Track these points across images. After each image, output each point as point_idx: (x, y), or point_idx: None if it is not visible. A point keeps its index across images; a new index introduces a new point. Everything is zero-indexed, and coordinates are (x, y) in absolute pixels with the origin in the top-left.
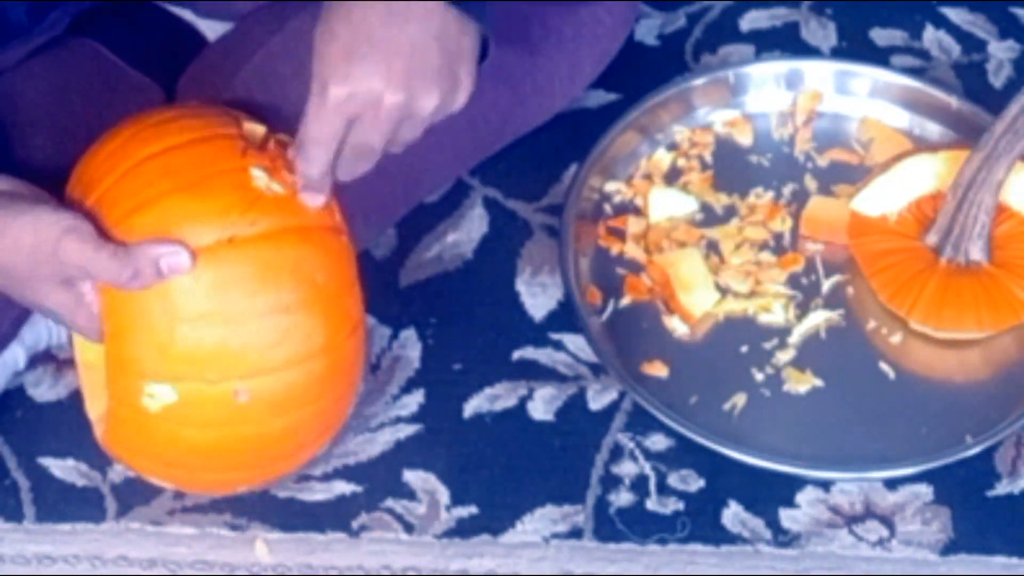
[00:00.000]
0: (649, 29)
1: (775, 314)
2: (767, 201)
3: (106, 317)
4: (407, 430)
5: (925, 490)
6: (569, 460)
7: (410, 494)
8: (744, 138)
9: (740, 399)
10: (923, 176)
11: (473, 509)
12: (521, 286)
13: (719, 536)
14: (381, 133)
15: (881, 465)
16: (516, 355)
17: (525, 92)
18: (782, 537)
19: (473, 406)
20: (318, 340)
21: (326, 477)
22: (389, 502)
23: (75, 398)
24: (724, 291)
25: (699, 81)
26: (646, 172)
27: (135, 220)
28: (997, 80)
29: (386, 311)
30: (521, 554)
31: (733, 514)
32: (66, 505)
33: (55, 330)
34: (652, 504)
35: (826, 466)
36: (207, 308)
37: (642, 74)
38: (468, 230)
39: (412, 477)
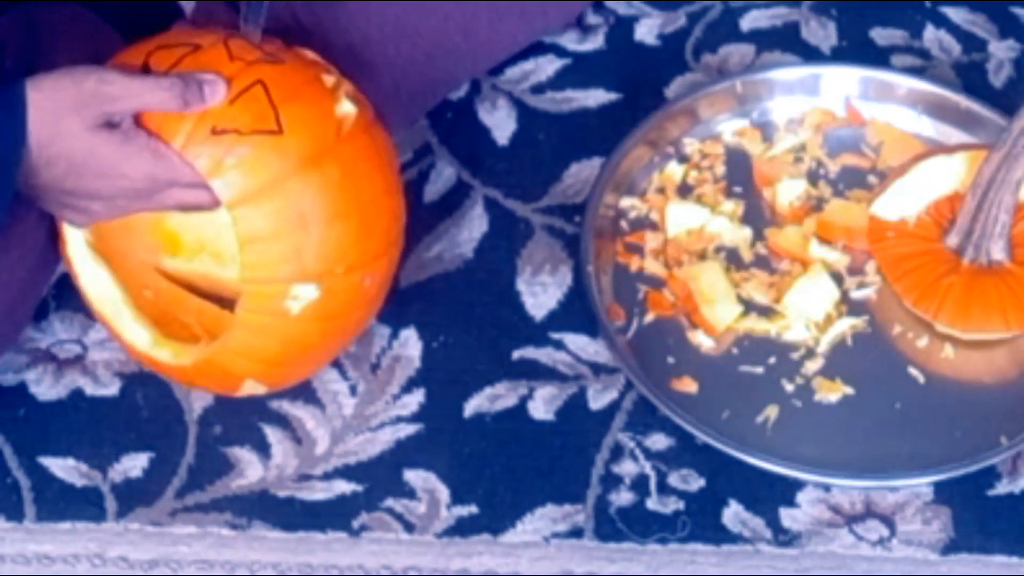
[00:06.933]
0: (649, 29)
1: (797, 332)
2: (783, 209)
3: (240, 235)
4: (407, 429)
5: (925, 490)
6: (569, 460)
7: (410, 493)
8: (754, 147)
9: (772, 411)
10: (940, 178)
11: (473, 508)
12: (521, 286)
13: (719, 535)
14: None
15: (920, 471)
16: (516, 355)
17: None
18: (782, 536)
19: (473, 406)
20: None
21: (326, 476)
22: (389, 501)
23: (76, 398)
24: (747, 303)
25: (705, 91)
26: (659, 186)
27: None
28: (997, 80)
29: (386, 311)
30: (521, 553)
31: (733, 513)
32: (66, 505)
33: None
34: (652, 503)
35: (859, 474)
36: (336, 206)
37: (642, 74)
38: (468, 230)
39: (412, 476)
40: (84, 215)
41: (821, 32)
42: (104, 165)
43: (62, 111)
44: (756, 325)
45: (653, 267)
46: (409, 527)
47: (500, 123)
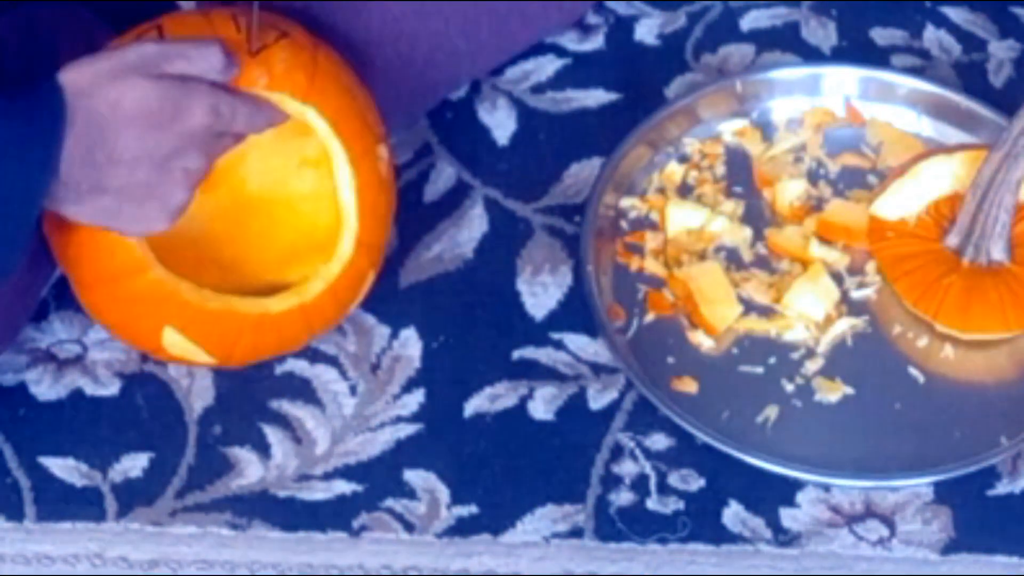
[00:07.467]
0: (649, 29)
1: (797, 332)
2: (783, 209)
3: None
4: (407, 429)
5: (925, 490)
6: (569, 460)
7: (410, 493)
8: (754, 147)
9: (772, 411)
10: (940, 178)
11: (473, 508)
12: (521, 286)
13: (720, 536)
14: None
15: (920, 471)
16: (516, 355)
17: None
18: (783, 536)
19: (473, 406)
20: None
21: (326, 476)
22: (389, 501)
23: (76, 398)
24: (747, 303)
25: (705, 91)
26: (659, 186)
27: None
28: (997, 80)
29: (386, 311)
30: (522, 553)
31: (733, 513)
32: (66, 505)
33: None
34: (652, 503)
35: (859, 474)
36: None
37: (642, 74)
38: (468, 230)
39: (412, 476)
40: (160, 204)
41: (821, 32)
42: (168, 111)
43: (117, 75)
44: (756, 325)
45: (653, 267)
46: (409, 527)
47: (500, 123)
